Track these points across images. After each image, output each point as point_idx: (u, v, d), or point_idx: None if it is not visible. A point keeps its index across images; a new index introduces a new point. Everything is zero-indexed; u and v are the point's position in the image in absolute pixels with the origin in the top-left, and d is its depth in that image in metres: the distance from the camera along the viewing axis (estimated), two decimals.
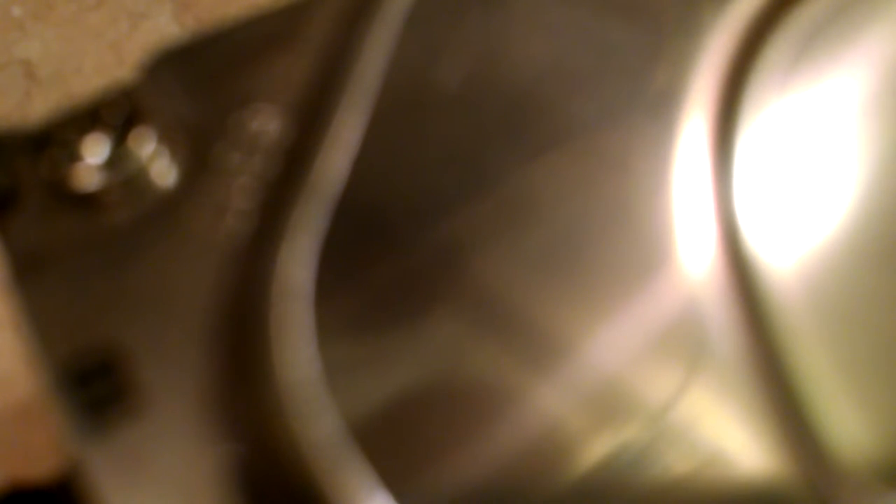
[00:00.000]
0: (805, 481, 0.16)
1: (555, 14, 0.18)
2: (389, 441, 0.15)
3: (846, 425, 0.16)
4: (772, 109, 0.18)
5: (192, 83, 0.18)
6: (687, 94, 0.18)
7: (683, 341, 0.16)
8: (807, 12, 0.18)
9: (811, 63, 0.18)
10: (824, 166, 0.18)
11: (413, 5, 0.18)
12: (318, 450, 0.15)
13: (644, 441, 0.16)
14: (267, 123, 0.17)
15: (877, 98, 0.18)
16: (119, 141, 0.17)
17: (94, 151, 0.17)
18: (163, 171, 0.17)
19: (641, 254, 0.17)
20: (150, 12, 0.26)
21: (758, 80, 0.18)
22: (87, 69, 0.26)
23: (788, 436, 0.16)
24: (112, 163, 0.17)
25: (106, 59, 0.26)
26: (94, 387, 0.15)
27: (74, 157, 0.17)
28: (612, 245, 0.17)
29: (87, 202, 0.17)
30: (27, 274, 0.16)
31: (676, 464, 0.16)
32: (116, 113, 0.17)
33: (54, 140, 0.17)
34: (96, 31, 0.26)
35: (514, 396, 0.16)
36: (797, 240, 0.17)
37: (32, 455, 0.21)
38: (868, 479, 0.16)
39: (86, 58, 0.26)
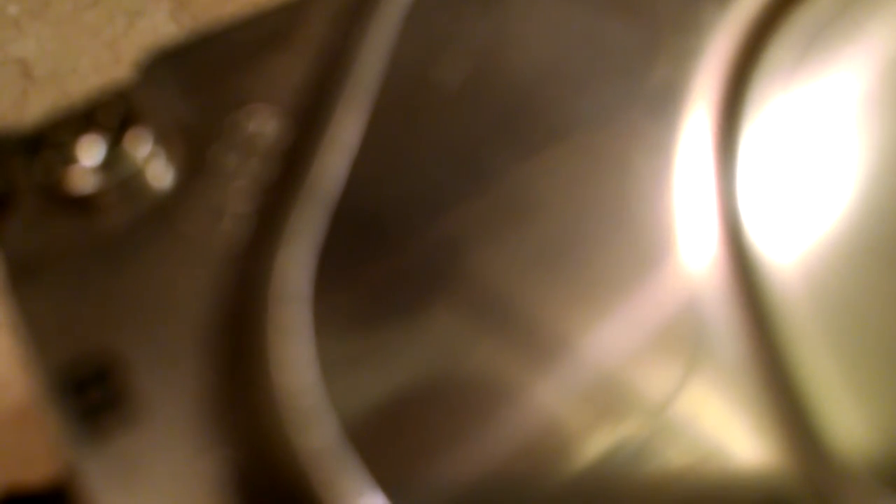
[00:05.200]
0: (805, 479, 0.15)
1: (554, 13, 0.18)
2: (388, 444, 0.15)
3: (848, 424, 0.16)
4: (776, 106, 0.18)
5: (188, 83, 0.18)
6: (688, 91, 0.18)
7: (684, 337, 0.16)
8: (810, 11, 0.18)
9: (816, 61, 0.18)
10: (828, 163, 0.17)
11: (411, 4, 0.18)
12: (315, 457, 0.15)
13: (644, 436, 0.16)
14: (264, 125, 0.17)
15: (881, 96, 0.18)
16: (114, 143, 0.17)
17: (90, 153, 0.17)
18: (159, 173, 0.17)
19: (643, 249, 0.17)
20: (146, 10, 0.26)
21: (761, 77, 0.18)
22: (84, 68, 0.26)
23: (789, 433, 0.16)
24: (107, 165, 0.17)
25: (102, 57, 0.26)
26: (90, 394, 0.15)
27: (69, 159, 0.17)
28: (614, 240, 0.17)
29: (83, 205, 0.17)
30: (22, 278, 0.16)
31: (676, 459, 0.16)
32: (112, 114, 0.17)
33: (49, 142, 0.17)
34: (93, 29, 0.26)
35: (514, 393, 0.16)
36: (800, 236, 0.17)
37: (29, 459, 0.21)
38: (868, 480, 0.16)
39: (82, 56, 0.26)
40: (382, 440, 0.15)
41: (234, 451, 0.15)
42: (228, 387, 0.15)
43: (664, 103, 0.18)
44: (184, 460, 0.15)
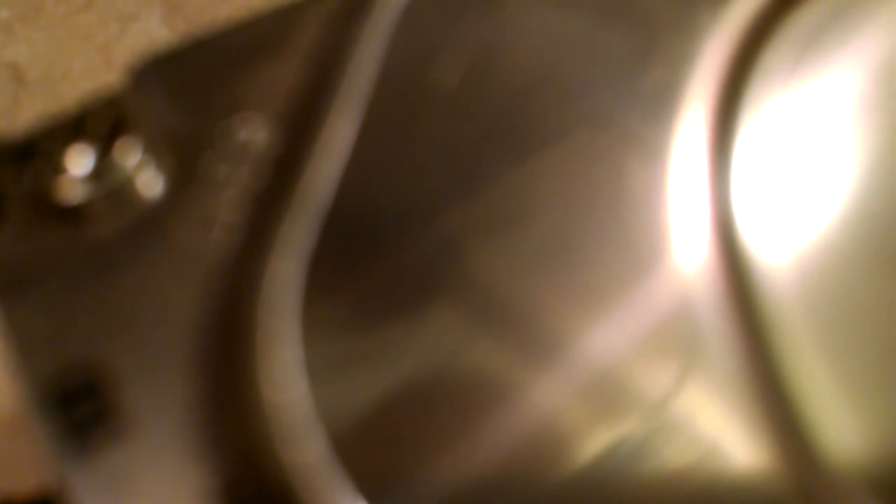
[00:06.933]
0: (796, 484, 0.15)
1: (549, 18, 0.18)
2: (378, 456, 0.15)
3: (840, 429, 0.16)
4: (771, 110, 0.17)
5: (179, 90, 0.17)
6: (684, 94, 0.18)
7: (678, 340, 0.16)
8: (806, 15, 0.18)
9: (812, 65, 0.18)
10: (823, 168, 0.17)
11: (405, 9, 0.18)
12: (303, 472, 0.14)
13: (636, 440, 0.16)
14: (255, 133, 0.17)
15: (877, 100, 0.18)
16: (104, 151, 0.17)
17: (78, 163, 0.17)
18: (149, 181, 0.17)
19: (637, 252, 0.17)
20: (139, 14, 0.26)
21: (757, 81, 0.18)
22: (76, 73, 0.25)
23: (781, 437, 0.16)
24: (97, 174, 0.17)
25: (95, 62, 0.25)
26: (78, 408, 0.15)
27: (58, 168, 0.16)
28: (609, 243, 0.17)
29: (72, 215, 0.16)
30: (10, 289, 0.16)
31: (668, 463, 0.16)
32: (101, 122, 0.17)
33: (37, 151, 0.17)
34: (85, 33, 0.26)
35: (507, 400, 0.16)
36: (794, 239, 0.17)
37: (19, 470, 0.20)
38: (858, 487, 0.15)
39: (74, 61, 0.26)
40: (372, 453, 0.15)
41: (223, 465, 0.15)
42: (217, 400, 0.15)
43: (660, 107, 0.17)
44: (172, 474, 0.15)
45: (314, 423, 0.15)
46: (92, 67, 0.25)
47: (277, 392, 0.15)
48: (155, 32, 0.26)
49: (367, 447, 0.15)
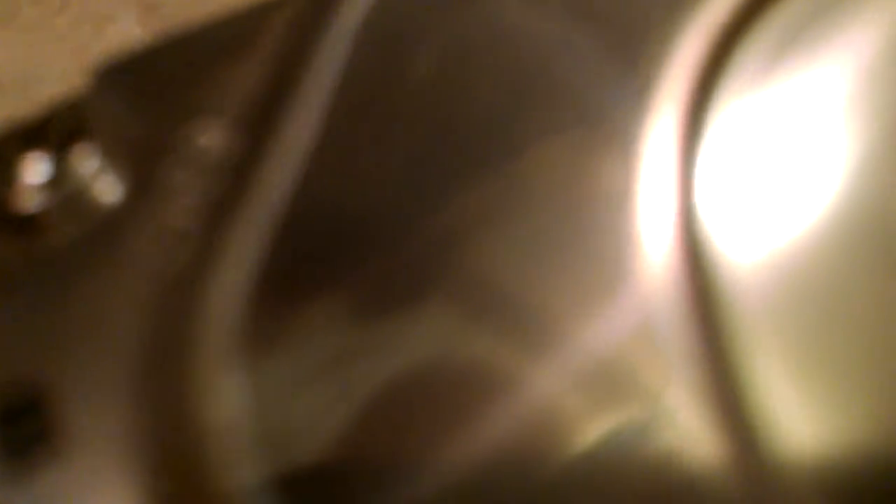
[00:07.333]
0: (746, 485, 0.15)
1: (521, 16, 0.18)
2: (332, 483, 0.15)
3: (792, 431, 0.15)
4: (745, 108, 0.17)
5: (141, 94, 0.17)
6: (657, 93, 0.17)
7: (639, 340, 0.16)
8: (785, 13, 0.17)
9: (789, 64, 0.17)
10: (796, 169, 0.17)
11: (370, 12, 0.17)
12: (245, 499, 0.14)
13: (592, 443, 0.15)
14: (216, 138, 0.17)
15: (859, 101, 0.17)
16: (60, 158, 0.16)
17: (34, 171, 0.16)
18: (106, 189, 0.16)
19: (604, 252, 0.16)
20: (115, 15, 0.26)
21: (732, 80, 0.17)
22: (51, 75, 0.25)
23: (732, 436, 0.15)
24: (53, 182, 0.16)
25: (69, 64, 0.25)
26: (18, 427, 0.15)
27: (12, 177, 0.16)
28: (577, 243, 0.16)
29: (26, 224, 0.16)
30: None
31: (627, 464, 0.15)
32: (59, 128, 0.16)
33: None
34: (60, 35, 0.26)
35: (471, 415, 0.15)
36: (765, 246, 0.16)
37: None
38: (810, 491, 0.15)
39: (50, 64, 0.25)
40: (322, 479, 0.15)
41: (162, 487, 0.14)
42: (158, 421, 0.15)
43: (632, 106, 0.17)
44: (111, 496, 0.14)
45: (258, 446, 0.14)
46: (66, 70, 0.25)
47: (219, 413, 0.14)
48: (130, 33, 0.25)
49: (316, 473, 0.15)
